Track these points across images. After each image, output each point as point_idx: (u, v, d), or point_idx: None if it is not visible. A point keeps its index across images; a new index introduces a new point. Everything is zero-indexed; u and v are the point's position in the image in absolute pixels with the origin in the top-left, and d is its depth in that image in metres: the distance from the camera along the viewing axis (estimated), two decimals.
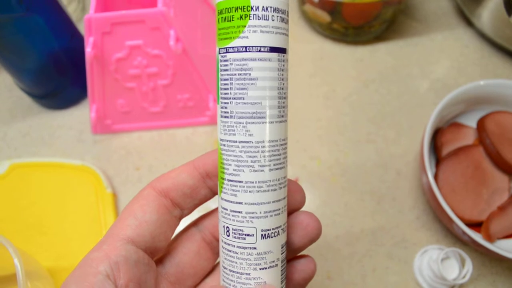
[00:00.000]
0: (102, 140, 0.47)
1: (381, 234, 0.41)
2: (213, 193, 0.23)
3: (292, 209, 0.22)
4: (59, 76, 0.46)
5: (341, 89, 0.49)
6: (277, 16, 0.18)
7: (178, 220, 0.22)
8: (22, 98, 0.50)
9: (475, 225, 0.39)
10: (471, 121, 0.43)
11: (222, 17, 0.18)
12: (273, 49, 0.18)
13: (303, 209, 0.23)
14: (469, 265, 0.36)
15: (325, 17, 0.50)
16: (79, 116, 0.48)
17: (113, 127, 0.46)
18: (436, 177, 0.40)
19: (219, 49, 0.19)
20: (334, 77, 0.50)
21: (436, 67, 0.51)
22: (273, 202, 0.19)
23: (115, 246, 0.19)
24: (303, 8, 0.52)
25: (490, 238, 0.37)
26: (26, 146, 0.47)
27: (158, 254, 0.21)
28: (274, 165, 0.19)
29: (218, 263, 0.24)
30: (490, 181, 0.40)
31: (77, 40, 0.45)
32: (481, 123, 0.42)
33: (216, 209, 0.24)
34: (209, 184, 0.22)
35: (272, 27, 0.18)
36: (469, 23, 0.54)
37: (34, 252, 0.39)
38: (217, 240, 0.24)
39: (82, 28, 0.44)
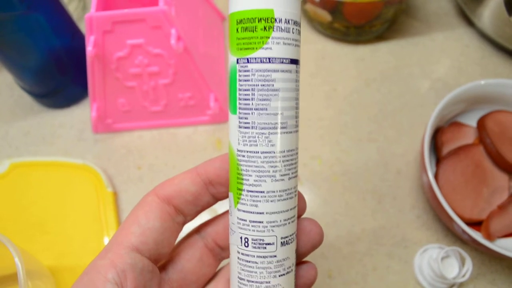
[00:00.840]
0: (103, 139, 0.47)
1: (381, 233, 0.41)
2: (215, 200, 0.23)
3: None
4: (60, 75, 0.46)
5: (342, 89, 0.49)
6: (296, 29, 0.19)
7: (181, 227, 0.22)
8: (23, 97, 0.50)
9: (475, 224, 0.39)
10: (471, 120, 0.44)
11: (242, 27, 0.18)
12: (292, 61, 0.19)
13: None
14: (469, 264, 0.36)
15: (326, 16, 0.50)
16: (80, 115, 0.48)
17: (114, 126, 0.46)
18: (436, 176, 0.40)
19: (238, 59, 0.19)
20: (335, 77, 0.50)
21: (437, 66, 0.51)
22: (291, 209, 0.20)
23: (120, 254, 0.19)
24: (304, 8, 0.52)
25: (490, 237, 0.37)
26: (27, 145, 0.47)
27: (161, 260, 0.22)
28: (292, 173, 0.20)
29: (220, 269, 0.25)
30: (490, 180, 0.40)
31: (78, 39, 0.45)
32: (481, 122, 0.42)
33: (219, 216, 0.24)
34: (211, 191, 0.22)
35: (292, 39, 0.19)
36: (470, 23, 0.54)
37: (35, 251, 0.39)
38: (220, 247, 0.24)
39: (83, 27, 0.44)
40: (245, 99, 0.19)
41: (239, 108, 0.19)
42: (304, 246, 0.22)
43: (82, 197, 0.42)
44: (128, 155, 0.45)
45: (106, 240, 0.40)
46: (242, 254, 0.20)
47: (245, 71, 0.19)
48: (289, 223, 0.20)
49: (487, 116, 0.42)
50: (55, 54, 0.44)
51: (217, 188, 0.22)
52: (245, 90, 0.19)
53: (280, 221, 0.20)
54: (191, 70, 0.40)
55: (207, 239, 0.24)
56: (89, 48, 0.37)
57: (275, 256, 0.20)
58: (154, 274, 0.21)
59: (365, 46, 0.52)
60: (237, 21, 0.19)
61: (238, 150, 0.19)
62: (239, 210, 0.20)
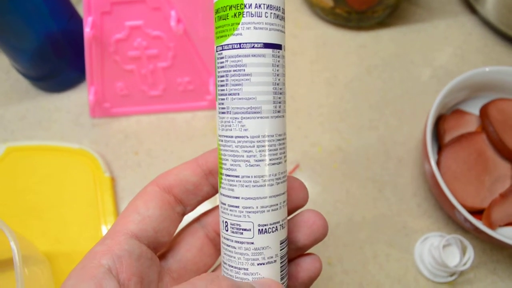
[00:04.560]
0: (100, 124, 0.46)
1: (382, 221, 0.40)
2: (215, 190, 0.23)
3: (296, 206, 0.23)
4: (57, 58, 0.45)
5: (343, 75, 0.49)
6: (271, 13, 0.19)
7: (181, 217, 0.22)
8: (19, 81, 0.49)
9: (477, 213, 0.38)
10: (474, 108, 0.43)
11: (218, 16, 0.19)
12: (267, 45, 0.19)
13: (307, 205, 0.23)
14: (470, 252, 0.36)
15: (328, 1, 0.49)
16: (77, 99, 0.47)
17: (112, 110, 0.45)
18: (438, 164, 0.39)
19: (216, 47, 0.19)
20: (336, 63, 0.49)
21: (439, 54, 0.50)
22: (270, 197, 0.20)
23: (118, 241, 0.19)
24: None
25: (491, 225, 0.37)
26: (23, 129, 0.46)
27: (161, 249, 0.22)
28: (270, 160, 0.19)
29: None
30: (493, 169, 0.39)
31: (76, 22, 0.44)
32: (484, 110, 0.41)
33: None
34: (211, 181, 0.22)
35: (266, 23, 0.18)
36: (473, 10, 0.53)
37: (30, 236, 0.38)
38: (220, 237, 0.24)
39: (80, 10, 0.43)
40: (221, 85, 0.19)
41: (218, 95, 0.20)
42: (306, 239, 0.22)
43: (79, 182, 0.42)
44: (125, 140, 0.45)
45: (103, 226, 0.39)
46: (224, 237, 0.20)
47: (221, 58, 0.19)
48: (268, 210, 0.20)
49: (490, 104, 0.41)
50: (52, 36, 0.43)
51: (216, 177, 0.22)
52: (221, 76, 0.19)
53: (257, 207, 0.19)
54: (191, 53, 0.39)
55: (208, 229, 0.24)
56: (87, 30, 0.37)
57: (252, 243, 0.20)
58: (153, 262, 0.21)
59: (366, 32, 0.52)
60: (215, 11, 0.19)
61: (219, 135, 0.20)
62: (221, 194, 0.20)
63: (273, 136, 0.19)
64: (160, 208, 0.21)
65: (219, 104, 0.20)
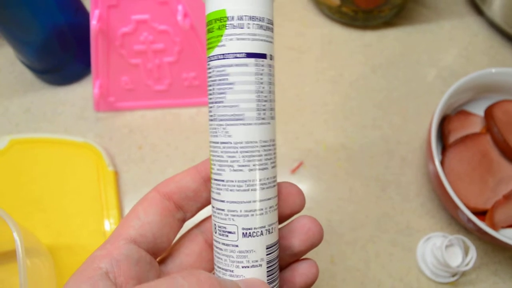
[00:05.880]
0: (105, 117, 0.46)
1: (385, 221, 0.40)
2: None
3: (292, 212, 0.23)
4: (63, 51, 0.45)
5: (348, 74, 0.49)
6: (253, 24, 0.19)
7: (181, 223, 0.23)
8: (24, 73, 0.49)
9: (480, 214, 0.38)
10: (478, 109, 0.43)
11: (207, 30, 0.20)
12: (250, 55, 0.19)
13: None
14: (473, 253, 0.36)
15: (334, 0, 0.49)
16: (82, 92, 0.47)
17: (116, 104, 0.45)
18: (442, 164, 0.39)
19: (207, 58, 0.20)
20: (342, 62, 0.49)
21: (445, 55, 0.50)
22: (254, 201, 0.20)
23: (117, 245, 0.20)
24: None
25: (494, 226, 0.37)
26: (28, 122, 0.46)
27: (160, 254, 0.22)
28: (253, 165, 0.20)
29: None
30: (497, 170, 0.39)
31: (82, 15, 0.44)
32: (489, 112, 0.41)
33: None
34: (210, 188, 0.22)
35: (248, 34, 0.19)
36: (479, 11, 0.53)
37: (33, 229, 0.38)
38: None
39: (87, 3, 0.43)
40: (210, 94, 0.20)
41: (208, 103, 0.21)
42: (302, 245, 0.22)
43: (83, 176, 0.42)
44: (130, 135, 0.45)
45: (105, 220, 0.40)
46: (214, 240, 0.21)
47: (209, 68, 0.20)
48: (252, 215, 0.20)
49: (495, 105, 0.41)
50: (58, 29, 0.43)
51: None
52: (209, 85, 0.20)
53: (241, 211, 0.20)
54: (197, 48, 0.39)
55: (207, 234, 0.24)
56: (94, 22, 0.36)
57: (236, 246, 0.20)
58: (152, 266, 0.21)
59: (372, 32, 0.52)
60: (206, 25, 0.20)
61: (209, 141, 0.21)
62: (211, 197, 0.21)
63: (256, 142, 0.20)
64: (160, 214, 0.21)
65: (209, 111, 0.21)
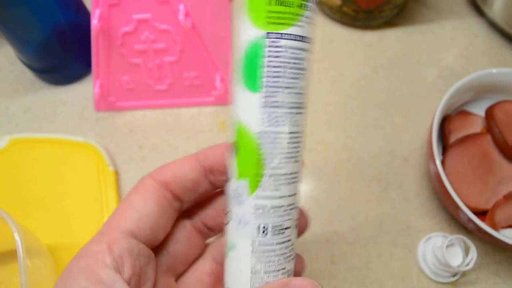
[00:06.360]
0: (105, 117, 0.46)
1: (386, 221, 0.40)
2: (214, 187, 0.23)
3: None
4: (63, 50, 0.45)
5: (349, 74, 0.49)
6: (315, 11, 0.19)
7: (177, 212, 0.22)
8: (24, 73, 0.49)
9: (480, 214, 0.38)
10: (479, 109, 0.43)
11: (278, 0, 0.17)
12: (312, 42, 0.19)
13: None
14: (473, 253, 0.36)
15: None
16: (82, 92, 0.47)
17: (117, 104, 0.45)
18: (443, 164, 0.39)
19: (269, 33, 0.18)
20: (343, 62, 0.49)
21: (446, 55, 0.50)
22: (299, 192, 0.20)
23: (116, 239, 0.19)
24: None
25: (494, 226, 0.37)
26: (28, 121, 0.46)
27: (156, 244, 0.22)
28: (300, 156, 0.19)
29: (207, 246, 0.25)
30: (497, 170, 0.39)
31: (83, 15, 0.44)
32: (489, 112, 0.41)
33: (208, 199, 0.24)
34: (211, 179, 0.22)
35: (315, 20, 0.19)
36: (480, 12, 0.53)
37: (33, 229, 0.38)
38: (208, 227, 0.24)
39: (89, 3, 0.43)
40: (275, 76, 0.18)
41: (266, 86, 0.18)
42: None
43: (83, 175, 0.41)
44: (130, 135, 0.45)
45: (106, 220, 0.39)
46: (259, 244, 0.19)
47: (277, 46, 0.17)
48: (296, 206, 0.20)
49: (496, 106, 0.41)
50: (59, 29, 0.43)
51: (216, 175, 0.22)
52: (275, 66, 0.18)
53: (295, 203, 0.19)
54: (198, 48, 0.39)
55: (195, 220, 0.24)
56: (94, 22, 0.36)
57: (289, 240, 0.19)
58: (149, 259, 0.21)
59: (373, 32, 0.52)
60: None
61: (261, 132, 0.18)
62: (257, 197, 0.18)
63: (302, 132, 0.19)
64: (157, 204, 0.20)
65: (269, 97, 0.18)
